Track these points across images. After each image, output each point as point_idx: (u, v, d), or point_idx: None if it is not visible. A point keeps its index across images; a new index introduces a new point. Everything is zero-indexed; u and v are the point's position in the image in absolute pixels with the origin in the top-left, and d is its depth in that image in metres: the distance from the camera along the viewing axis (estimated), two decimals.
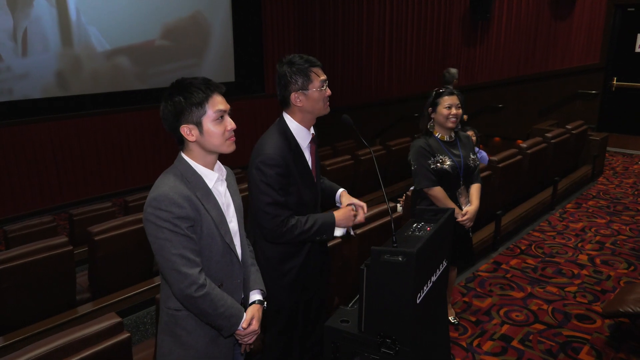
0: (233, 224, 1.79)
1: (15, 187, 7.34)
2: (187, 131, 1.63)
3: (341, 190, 2.34)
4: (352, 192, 2.42)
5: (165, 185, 1.61)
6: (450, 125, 2.83)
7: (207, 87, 1.64)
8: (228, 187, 1.81)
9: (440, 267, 1.94)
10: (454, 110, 2.80)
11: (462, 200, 2.87)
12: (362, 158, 6.04)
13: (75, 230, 5.05)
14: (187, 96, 1.61)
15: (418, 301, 1.69)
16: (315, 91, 2.06)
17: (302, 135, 2.13)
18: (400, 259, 1.62)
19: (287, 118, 2.13)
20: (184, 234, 1.59)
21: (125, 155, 8.43)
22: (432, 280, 1.83)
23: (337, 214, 2.15)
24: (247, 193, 2.22)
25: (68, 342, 1.83)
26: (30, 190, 7.49)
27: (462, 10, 8.07)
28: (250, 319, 1.77)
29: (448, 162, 2.81)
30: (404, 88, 9.01)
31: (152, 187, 1.64)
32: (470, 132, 4.78)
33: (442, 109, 2.81)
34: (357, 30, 9.49)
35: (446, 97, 2.81)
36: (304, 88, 2.05)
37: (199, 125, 1.63)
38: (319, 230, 2.11)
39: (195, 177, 1.67)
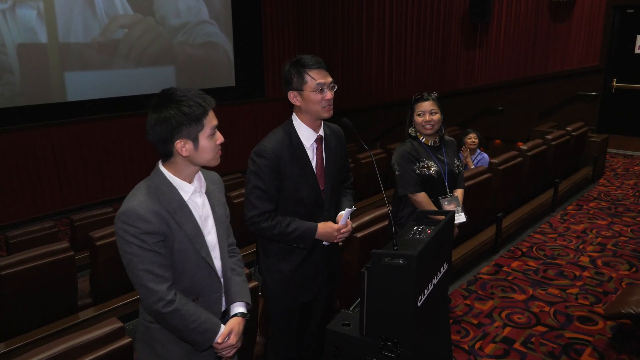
0: (211, 237, 1.74)
1: (16, 193, 7.34)
2: (181, 146, 1.58)
3: (343, 211, 2.26)
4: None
5: (135, 199, 1.58)
6: (426, 132, 2.78)
7: (204, 101, 1.60)
8: (210, 197, 1.76)
9: (441, 269, 1.94)
10: (427, 117, 2.74)
11: (448, 207, 2.78)
12: (362, 161, 6.05)
13: (77, 236, 5.06)
14: (185, 110, 1.56)
15: (419, 304, 1.69)
16: (309, 93, 2.08)
17: (306, 134, 2.17)
18: (401, 262, 1.62)
19: (294, 116, 2.19)
20: (152, 250, 1.57)
21: (126, 160, 8.44)
22: (433, 283, 1.83)
23: (320, 228, 2.16)
24: (241, 199, 2.23)
25: (70, 347, 1.84)
26: (32, 195, 7.49)
27: (461, 12, 8.09)
28: (228, 332, 1.72)
29: (433, 167, 2.77)
30: (404, 91, 9.01)
31: (125, 199, 1.62)
32: (472, 135, 4.78)
33: (416, 117, 2.78)
34: (357, 34, 9.51)
35: (419, 104, 2.76)
36: (299, 88, 2.09)
37: (195, 140, 1.59)
38: (298, 237, 2.14)
39: (170, 189, 1.63)
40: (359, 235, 2.95)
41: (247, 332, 2.51)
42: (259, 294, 2.40)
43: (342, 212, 2.23)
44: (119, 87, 8.27)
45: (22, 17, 7.17)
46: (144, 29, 8.45)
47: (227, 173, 7.20)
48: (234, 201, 4.31)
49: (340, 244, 2.32)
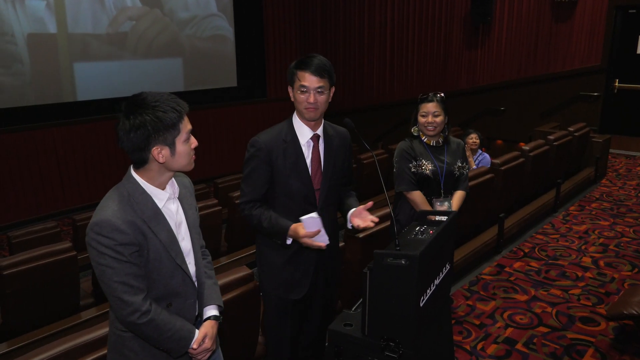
0: (185, 243, 1.73)
1: (18, 193, 7.36)
2: (158, 152, 1.56)
3: (352, 210, 2.23)
4: None
5: (109, 209, 1.55)
6: (428, 133, 2.79)
7: (178, 105, 1.57)
8: (182, 202, 1.74)
9: (444, 270, 1.94)
10: (430, 118, 2.74)
11: (439, 208, 2.75)
12: (364, 162, 6.05)
13: (79, 236, 5.06)
14: (160, 116, 1.53)
15: (421, 304, 1.69)
16: (295, 92, 2.15)
17: (301, 130, 2.20)
18: (403, 262, 1.62)
19: (295, 112, 2.23)
20: (127, 261, 1.53)
21: (128, 160, 8.33)
22: (436, 283, 1.83)
23: (292, 229, 2.10)
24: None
25: (72, 347, 1.84)
26: (34, 195, 7.51)
27: (463, 13, 8.08)
28: (203, 337, 1.71)
29: (430, 167, 2.76)
30: (406, 91, 9.02)
31: (96, 208, 1.57)
32: (473, 135, 4.77)
33: (419, 117, 2.80)
34: (359, 35, 9.51)
35: (424, 105, 2.77)
36: (292, 85, 2.17)
37: (171, 146, 1.57)
38: (272, 233, 2.17)
39: (144, 197, 1.61)
40: (360, 235, 2.95)
41: (248, 332, 2.52)
42: (260, 294, 2.41)
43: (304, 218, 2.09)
44: (127, 80, 8.26)
45: (31, 7, 7.23)
46: (152, 21, 8.49)
47: (229, 173, 7.21)
48: (236, 201, 4.31)
49: (342, 243, 2.33)
